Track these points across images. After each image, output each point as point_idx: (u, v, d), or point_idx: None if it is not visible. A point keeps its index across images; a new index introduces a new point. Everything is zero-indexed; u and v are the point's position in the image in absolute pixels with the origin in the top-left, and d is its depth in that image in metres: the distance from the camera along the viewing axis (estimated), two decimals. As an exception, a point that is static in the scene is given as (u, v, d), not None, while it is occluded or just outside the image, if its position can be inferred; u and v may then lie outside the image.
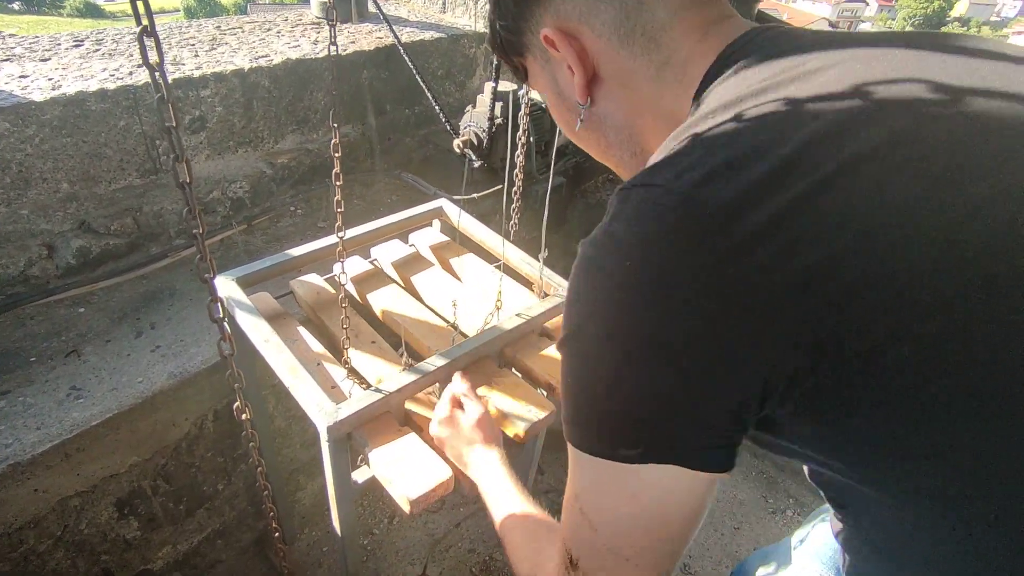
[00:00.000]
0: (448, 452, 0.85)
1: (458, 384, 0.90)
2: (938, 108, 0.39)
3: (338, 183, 0.76)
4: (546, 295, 1.18)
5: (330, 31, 0.66)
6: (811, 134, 0.39)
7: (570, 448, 0.47)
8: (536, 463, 1.43)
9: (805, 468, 0.52)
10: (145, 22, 0.48)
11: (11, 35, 1.70)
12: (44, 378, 1.15)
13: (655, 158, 0.45)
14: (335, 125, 0.69)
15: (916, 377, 0.37)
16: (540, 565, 0.57)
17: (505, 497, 0.72)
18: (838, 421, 0.40)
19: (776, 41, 0.48)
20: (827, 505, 0.83)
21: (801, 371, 0.38)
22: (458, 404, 0.87)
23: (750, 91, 0.44)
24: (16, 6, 47.75)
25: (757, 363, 0.38)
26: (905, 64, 0.42)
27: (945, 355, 0.36)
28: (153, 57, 0.50)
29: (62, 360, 1.20)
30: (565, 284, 1.16)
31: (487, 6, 2.14)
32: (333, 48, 0.66)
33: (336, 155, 0.73)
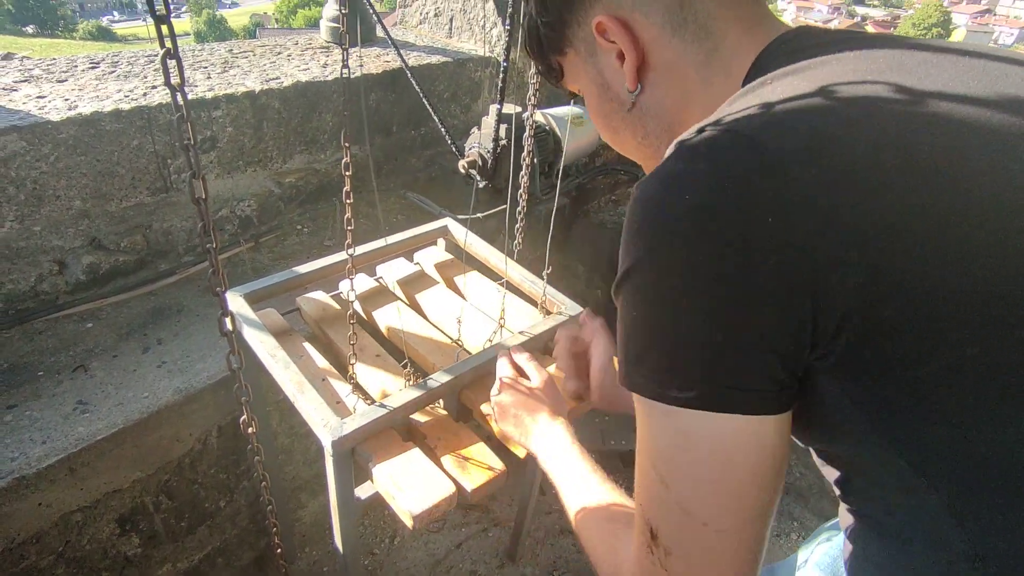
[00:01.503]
0: (508, 421, 0.82)
1: (518, 352, 0.88)
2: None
3: (348, 201, 0.78)
4: (549, 313, 1.19)
5: (343, 55, 0.68)
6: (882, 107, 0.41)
7: (634, 400, 0.47)
8: (538, 484, 1.42)
9: (815, 457, 0.53)
10: (169, 45, 0.50)
11: (27, 57, 1.74)
12: (51, 392, 1.16)
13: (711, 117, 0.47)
14: (347, 145, 0.71)
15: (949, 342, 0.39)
16: (619, 553, 0.55)
17: (574, 474, 0.69)
18: (874, 380, 0.41)
19: (828, 34, 0.51)
20: (828, 524, 0.83)
21: (852, 313, 0.39)
22: (519, 371, 0.85)
23: (808, 66, 0.46)
24: (30, 29, 48.77)
25: (812, 302, 0.39)
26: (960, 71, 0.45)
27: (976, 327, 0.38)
28: (175, 78, 0.52)
29: (69, 375, 1.21)
30: (568, 302, 1.18)
31: (495, 31, 2.20)
32: (346, 71, 0.68)
33: (347, 174, 0.75)
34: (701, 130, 0.44)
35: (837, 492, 0.53)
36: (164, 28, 0.51)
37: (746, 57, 0.52)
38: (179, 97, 0.53)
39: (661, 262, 0.43)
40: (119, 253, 1.44)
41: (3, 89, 1.42)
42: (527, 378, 0.85)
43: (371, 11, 2.00)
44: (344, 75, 0.69)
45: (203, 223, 0.60)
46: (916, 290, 0.38)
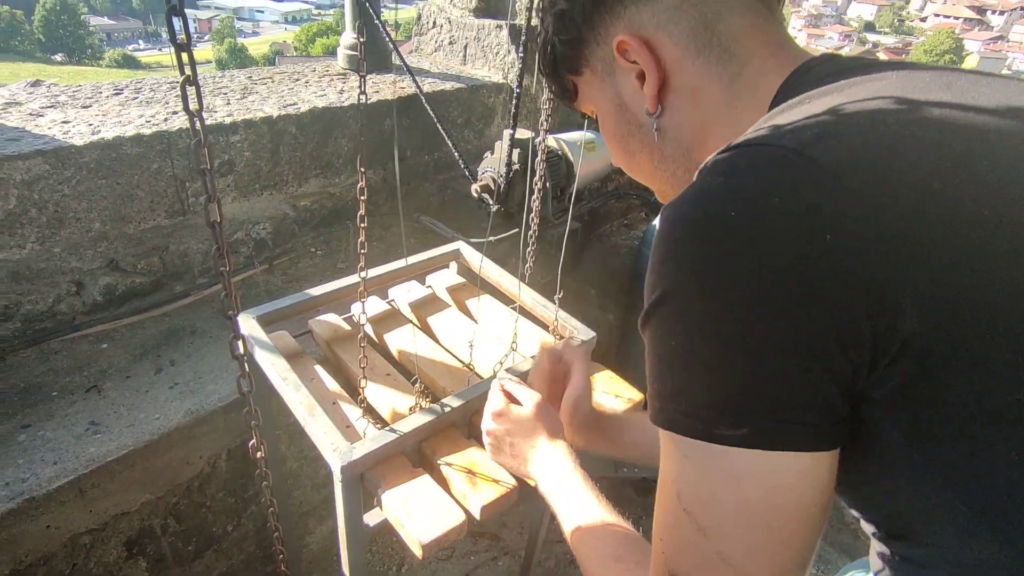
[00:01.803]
0: (504, 451, 0.77)
1: (505, 378, 0.83)
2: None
3: (362, 225, 0.79)
4: (561, 337, 1.18)
5: (360, 81, 0.70)
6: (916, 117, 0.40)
7: (664, 439, 0.43)
8: (549, 512, 1.39)
9: (848, 500, 0.49)
10: (188, 72, 0.51)
11: (54, 84, 1.79)
12: (64, 412, 1.17)
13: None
14: (363, 169, 0.72)
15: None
16: None
17: (578, 503, 0.65)
18: (925, 410, 0.38)
19: (856, 60, 0.50)
20: (853, 563, 0.79)
21: (913, 327, 0.36)
22: (510, 397, 0.79)
23: (848, 84, 0.45)
24: (58, 57, 50.48)
25: (866, 316, 0.37)
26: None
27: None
28: (193, 104, 0.53)
29: (83, 395, 1.21)
30: (580, 326, 1.17)
31: (509, 58, 2.23)
32: (362, 97, 0.69)
33: (362, 198, 0.75)
34: (738, 146, 0.43)
35: (873, 533, 0.49)
36: (184, 56, 0.52)
37: (771, 81, 0.51)
38: (196, 123, 0.54)
39: (702, 283, 0.39)
40: (136, 275, 1.45)
41: (30, 114, 1.46)
42: (519, 404, 0.78)
43: (387, 39, 2.04)
44: (361, 101, 0.70)
45: (217, 246, 0.61)
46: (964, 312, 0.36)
